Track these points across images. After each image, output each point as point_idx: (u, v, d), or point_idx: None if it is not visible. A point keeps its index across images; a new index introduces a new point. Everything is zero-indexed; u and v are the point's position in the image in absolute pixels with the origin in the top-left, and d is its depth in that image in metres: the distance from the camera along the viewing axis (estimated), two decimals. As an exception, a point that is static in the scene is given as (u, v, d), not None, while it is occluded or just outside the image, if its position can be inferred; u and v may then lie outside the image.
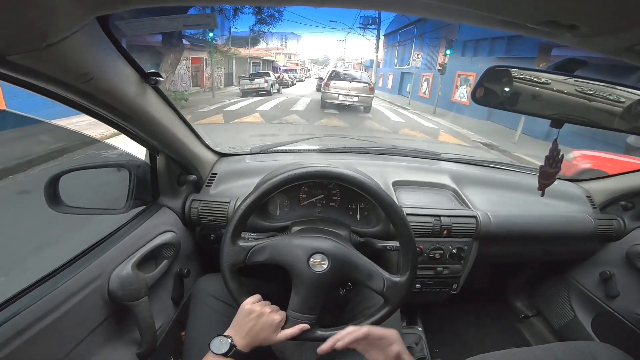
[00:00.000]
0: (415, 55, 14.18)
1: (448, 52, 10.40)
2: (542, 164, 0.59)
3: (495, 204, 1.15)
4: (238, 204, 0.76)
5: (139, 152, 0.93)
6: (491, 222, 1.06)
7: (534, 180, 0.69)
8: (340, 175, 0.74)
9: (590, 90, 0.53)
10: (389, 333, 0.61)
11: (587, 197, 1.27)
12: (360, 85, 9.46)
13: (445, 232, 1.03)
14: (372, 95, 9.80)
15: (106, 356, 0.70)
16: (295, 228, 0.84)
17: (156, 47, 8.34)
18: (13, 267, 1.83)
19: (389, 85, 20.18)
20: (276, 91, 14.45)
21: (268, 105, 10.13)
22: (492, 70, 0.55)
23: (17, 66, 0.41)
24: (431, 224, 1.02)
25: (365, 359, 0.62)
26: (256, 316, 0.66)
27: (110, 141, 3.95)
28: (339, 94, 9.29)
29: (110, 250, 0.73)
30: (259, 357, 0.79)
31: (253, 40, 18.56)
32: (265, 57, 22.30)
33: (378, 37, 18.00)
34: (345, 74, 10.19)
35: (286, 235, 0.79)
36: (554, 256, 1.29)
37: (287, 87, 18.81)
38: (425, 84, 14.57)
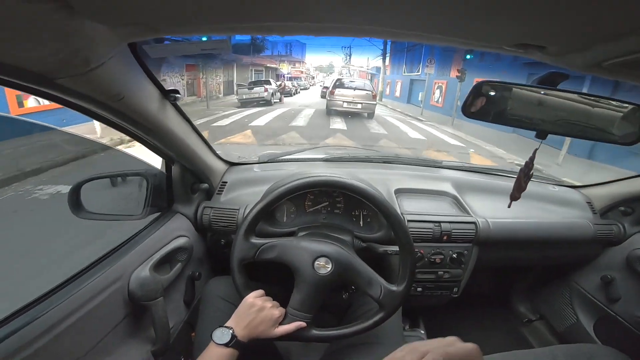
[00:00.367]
0: (428, 61, 12.96)
1: (468, 56, 9.23)
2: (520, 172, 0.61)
3: (495, 210, 1.17)
4: (247, 211, 0.82)
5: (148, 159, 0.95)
6: (490, 228, 1.09)
7: (533, 187, 0.72)
8: (343, 184, 0.79)
9: (573, 102, 0.57)
10: (471, 347, 0.44)
11: (587, 202, 1.29)
12: (363, 92, 9.80)
13: (445, 238, 1.06)
14: (374, 102, 10.07)
15: (123, 352, 0.74)
16: (301, 234, 0.88)
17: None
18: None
19: (397, 93, 18.89)
20: (278, 100, 13.44)
21: (263, 119, 8.83)
22: (481, 85, 0.59)
23: (63, 88, 0.47)
24: (431, 230, 1.05)
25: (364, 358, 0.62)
26: (257, 310, 0.69)
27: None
28: (344, 101, 9.57)
29: (130, 253, 0.78)
30: (265, 357, 0.83)
31: (256, 47, 17.81)
32: (268, 65, 21.26)
33: (385, 43, 17.36)
34: (349, 82, 10.50)
35: (294, 238, 0.84)
36: (554, 261, 1.31)
37: (291, 95, 17.77)
38: (437, 92, 13.34)
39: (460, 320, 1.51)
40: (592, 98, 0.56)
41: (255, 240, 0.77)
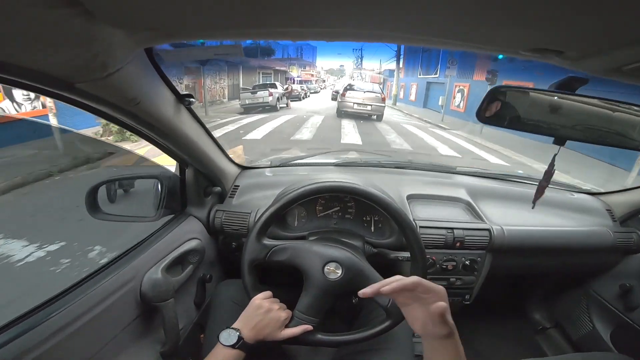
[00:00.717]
0: (450, 62, 11.95)
1: (500, 56, 7.33)
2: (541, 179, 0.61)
3: (510, 216, 1.15)
4: (258, 215, 0.83)
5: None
6: (505, 235, 1.06)
7: (550, 193, 0.70)
8: (354, 190, 0.78)
9: (593, 107, 0.56)
10: (438, 288, 0.55)
11: (607, 210, 1.26)
12: (373, 95, 10.20)
13: (458, 244, 1.04)
14: (383, 105, 10.40)
15: (133, 353, 0.74)
16: (312, 238, 0.88)
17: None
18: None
19: (412, 97, 17.67)
20: (284, 106, 12.16)
21: (261, 130, 7.45)
22: (496, 90, 0.58)
23: (82, 92, 0.48)
24: (444, 236, 1.04)
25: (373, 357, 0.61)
26: (264, 311, 0.69)
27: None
28: (354, 103, 9.98)
29: (143, 254, 0.80)
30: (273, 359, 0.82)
31: (264, 50, 17.20)
32: (277, 68, 20.16)
33: (399, 45, 16.02)
34: (360, 86, 10.94)
35: (306, 241, 0.84)
36: (572, 268, 1.27)
37: (299, 99, 16.51)
38: (458, 95, 12.21)
39: (473, 327, 1.48)
40: (613, 103, 0.55)
41: (267, 241, 0.77)
